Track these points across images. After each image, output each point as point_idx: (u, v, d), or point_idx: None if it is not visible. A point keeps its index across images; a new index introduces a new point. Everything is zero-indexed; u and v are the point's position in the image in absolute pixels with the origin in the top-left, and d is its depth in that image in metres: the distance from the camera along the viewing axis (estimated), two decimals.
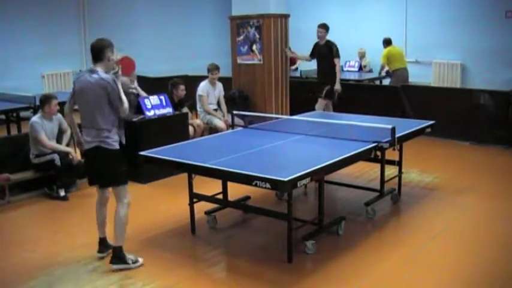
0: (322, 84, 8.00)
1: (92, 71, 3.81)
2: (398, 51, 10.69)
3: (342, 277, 3.82)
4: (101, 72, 3.79)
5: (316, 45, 8.08)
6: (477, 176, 6.23)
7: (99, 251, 4.15)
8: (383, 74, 10.92)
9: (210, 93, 7.61)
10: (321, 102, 7.97)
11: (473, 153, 7.29)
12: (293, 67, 12.31)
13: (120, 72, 3.99)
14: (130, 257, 3.96)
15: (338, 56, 7.85)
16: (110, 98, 3.78)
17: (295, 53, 8.53)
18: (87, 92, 3.81)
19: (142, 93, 6.85)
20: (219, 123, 7.43)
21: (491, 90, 8.07)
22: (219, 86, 7.77)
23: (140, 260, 4.02)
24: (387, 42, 10.71)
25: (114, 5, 12.22)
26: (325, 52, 7.89)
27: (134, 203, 5.65)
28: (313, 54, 8.17)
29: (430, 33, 12.00)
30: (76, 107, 4.01)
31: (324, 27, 7.94)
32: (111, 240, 4.08)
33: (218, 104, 7.77)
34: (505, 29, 10.99)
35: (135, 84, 6.88)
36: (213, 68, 7.58)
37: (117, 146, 3.89)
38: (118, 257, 3.92)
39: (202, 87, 7.59)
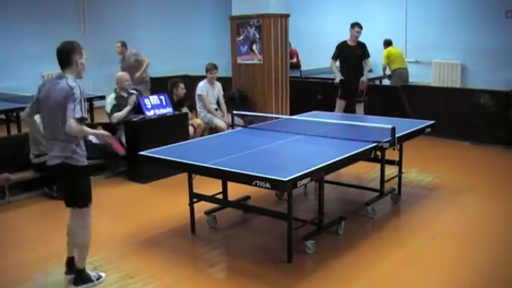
0: (357, 87, 7.63)
1: (60, 77, 3.50)
2: (399, 51, 10.77)
3: (342, 277, 3.82)
4: (70, 78, 3.45)
5: (344, 47, 7.56)
6: (477, 176, 6.23)
7: (68, 273, 3.85)
8: (387, 73, 10.94)
9: (209, 92, 7.64)
10: (361, 106, 7.73)
11: (473, 153, 7.29)
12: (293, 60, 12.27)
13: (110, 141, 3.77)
14: (93, 274, 3.79)
15: (369, 55, 7.72)
16: (66, 103, 3.35)
17: (335, 71, 7.90)
18: (52, 99, 3.45)
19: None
20: (219, 122, 7.44)
21: (491, 90, 8.06)
22: (218, 85, 7.79)
23: (103, 275, 3.83)
24: (387, 43, 10.81)
25: (114, 5, 12.22)
26: (359, 53, 7.55)
27: (134, 203, 5.69)
28: (338, 57, 7.68)
29: (430, 33, 12.00)
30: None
31: (361, 27, 7.51)
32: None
33: (218, 103, 7.78)
34: (505, 29, 10.98)
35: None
36: (211, 68, 7.61)
37: (85, 162, 3.56)
38: (82, 278, 3.73)
39: (201, 87, 7.62)
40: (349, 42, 7.52)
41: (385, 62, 10.70)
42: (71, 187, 3.60)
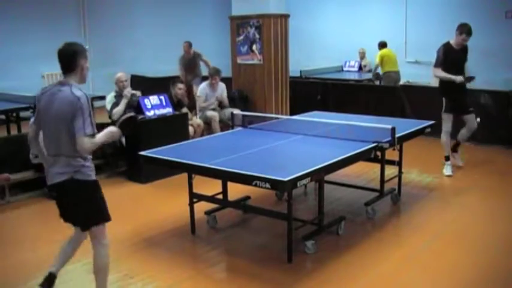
0: (467, 96, 6.46)
1: (62, 84, 3.11)
2: (392, 54, 10.95)
3: (342, 277, 3.82)
4: (74, 86, 3.08)
5: (451, 52, 6.30)
6: (477, 176, 6.23)
7: (41, 285, 3.48)
8: (376, 73, 11.19)
9: (208, 94, 7.73)
10: (474, 118, 6.37)
11: (473, 153, 7.29)
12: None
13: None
14: None
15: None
16: (73, 116, 2.99)
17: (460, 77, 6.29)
18: (53, 110, 3.07)
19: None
20: (209, 113, 7.60)
21: (491, 90, 8.07)
22: (221, 86, 7.87)
23: None
24: (382, 45, 11.01)
25: (114, 5, 12.23)
26: (464, 57, 6.44)
27: (134, 203, 5.69)
28: (445, 63, 6.29)
29: (430, 34, 11.97)
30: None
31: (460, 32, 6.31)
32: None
33: (220, 104, 7.83)
34: (505, 29, 10.99)
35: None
36: (214, 73, 7.77)
37: (93, 176, 3.20)
38: None
39: (201, 89, 7.79)
40: (454, 46, 6.33)
41: (378, 61, 10.93)
42: (85, 205, 3.20)
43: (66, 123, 3.03)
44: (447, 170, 6.31)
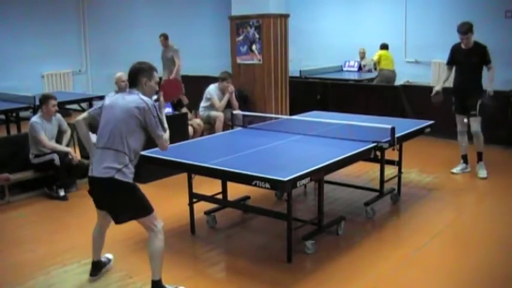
0: (473, 98, 6.14)
1: (130, 92, 3.45)
2: (390, 56, 11.27)
3: (341, 277, 3.82)
4: (140, 93, 3.41)
5: (457, 52, 6.25)
6: (477, 176, 6.22)
7: (92, 274, 3.81)
8: (372, 68, 11.77)
9: (219, 96, 7.61)
10: (477, 120, 6.18)
11: (473, 153, 7.28)
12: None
13: (162, 99, 3.67)
14: (170, 287, 3.60)
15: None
16: (146, 122, 3.33)
17: (440, 85, 6.52)
18: (118, 107, 3.36)
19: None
20: (213, 113, 7.51)
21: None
22: (231, 89, 7.77)
23: None
24: (382, 47, 11.37)
25: (114, 5, 12.22)
26: (476, 59, 6.14)
27: None
28: (453, 63, 6.36)
29: (429, 33, 12.00)
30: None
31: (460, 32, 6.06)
32: (104, 256, 3.97)
33: (228, 103, 7.78)
34: (505, 29, 10.99)
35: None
36: (227, 78, 7.61)
37: (132, 180, 3.40)
38: None
39: (213, 90, 7.61)
40: (462, 46, 6.19)
41: (375, 58, 11.31)
42: (127, 204, 3.42)
43: (126, 122, 3.31)
44: (482, 173, 6.18)
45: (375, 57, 11.28)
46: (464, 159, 6.44)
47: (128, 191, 3.37)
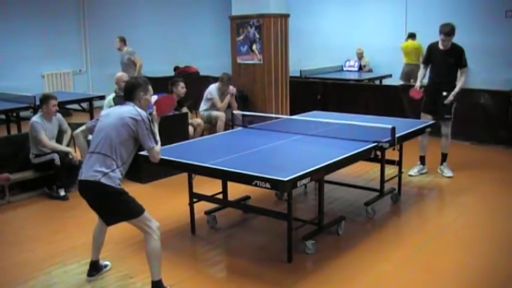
0: (446, 102, 6.02)
1: (126, 104, 3.57)
2: (413, 47, 11.11)
3: (342, 277, 3.82)
4: (136, 106, 3.53)
5: (434, 51, 6.14)
6: (477, 176, 6.23)
7: (90, 275, 3.84)
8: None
9: (219, 97, 7.60)
10: (450, 123, 6.16)
11: (473, 153, 7.29)
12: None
13: (154, 113, 3.71)
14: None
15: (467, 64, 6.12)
16: (138, 133, 3.42)
17: (418, 83, 6.42)
18: (113, 115, 3.49)
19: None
20: (214, 113, 7.49)
21: (491, 90, 8.07)
22: (232, 90, 7.77)
23: None
24: (409, 36, 11.30)
25: (114, 5, 12.23)
26: (452, 61, 6.03)
27: None
28: (429, 62, 6.28)
29: (429, 33, 11.97)
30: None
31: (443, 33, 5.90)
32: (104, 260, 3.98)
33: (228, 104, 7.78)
34: (505, 29, 10.99)
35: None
36: (228, 80, 7.58)
37: (117, 186, 3.41)
38: None
39: (213, 90, 7.59)
40: (439, 47, 6.06)
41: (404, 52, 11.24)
42: (108, 208, 3.49)
43: (118, 130, 3.41)
44: (447, 172, 6.23)
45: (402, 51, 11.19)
46: (422, 160, 6.34)
47: (112, 195, 3.41)
